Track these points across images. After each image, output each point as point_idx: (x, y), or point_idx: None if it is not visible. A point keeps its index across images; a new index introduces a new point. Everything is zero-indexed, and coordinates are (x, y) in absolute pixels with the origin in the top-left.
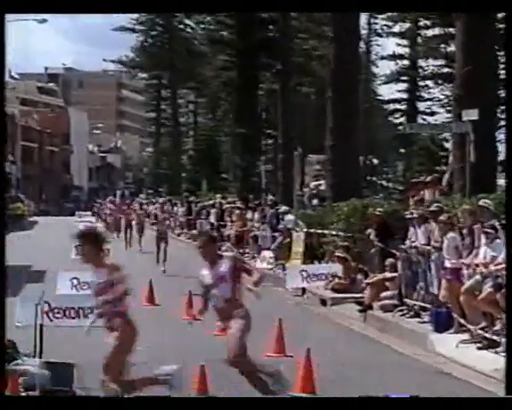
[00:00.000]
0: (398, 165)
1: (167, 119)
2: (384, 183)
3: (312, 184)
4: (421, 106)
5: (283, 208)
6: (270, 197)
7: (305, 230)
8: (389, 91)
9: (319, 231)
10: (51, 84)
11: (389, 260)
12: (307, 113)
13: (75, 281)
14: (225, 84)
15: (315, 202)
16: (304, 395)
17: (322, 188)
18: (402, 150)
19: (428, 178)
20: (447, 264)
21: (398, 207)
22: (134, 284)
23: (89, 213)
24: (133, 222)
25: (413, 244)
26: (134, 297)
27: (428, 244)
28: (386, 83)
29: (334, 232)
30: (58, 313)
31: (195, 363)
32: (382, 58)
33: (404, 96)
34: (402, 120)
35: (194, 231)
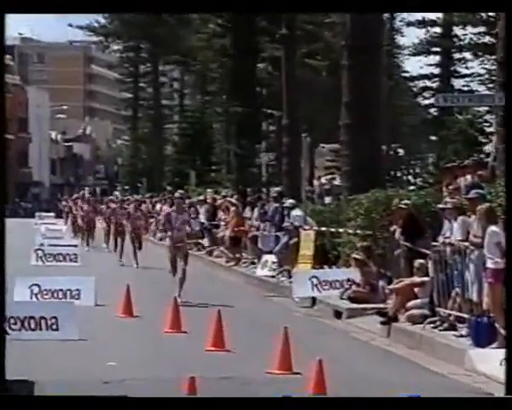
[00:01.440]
0: (428, 156)
1: (147, 100)
2: (411, 178)
3: (324, 178)
4: (457, 83)
5: (289, 202)
6: (276, 189)
7: (315, 228)
8: (417, 66)
9: (333, 230)
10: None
11: (418, 262)
12: (317, 93)
13: (36, 288)
14: (218, 55)
15: (327, 200)
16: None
17: (336, 183)
18: (433, 138)
19: (466, 162)
20: (489, 264)
21: (429, 198)
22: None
23: (51, 214)
24: (127, 228)
25: (447, 241)
26: (108, 307)
27: (466, 241)
28: (413, 55)
29: (350, 230)
30: (15, 323)
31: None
32: (409, 25)
33: (436, 71)
34: (432, 100)
35: None
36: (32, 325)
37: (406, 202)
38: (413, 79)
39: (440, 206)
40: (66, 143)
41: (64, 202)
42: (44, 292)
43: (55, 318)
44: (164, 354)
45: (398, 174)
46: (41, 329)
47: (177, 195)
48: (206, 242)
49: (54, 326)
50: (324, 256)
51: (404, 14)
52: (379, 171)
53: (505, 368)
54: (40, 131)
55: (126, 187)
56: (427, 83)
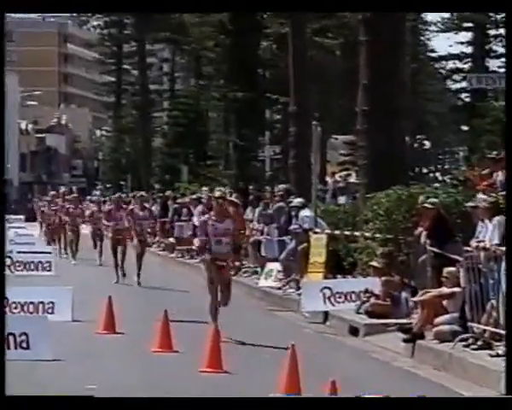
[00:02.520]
0: (458, 149)
1: (132, 84)
2: (439, 175)
3: (338, 175)
4: (492, 64)
5: (297, 201)
6: (281, 186)
7: (327, 231)
8: (446, 44)
9: (348, 233)
10: None
11: (447, 271)
12: (330, 76)
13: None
14: (214, 31)
15: (342, 199)
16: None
17: (352, 180)
18: (464, 128)
19: (502, 154)
20: None
21: (460, 196)
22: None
23: (20, 217)
24: (128, 236)
25: (481, 246)
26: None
27: (503, 245)
28: (442, 32)
29: (368, 234)
30: None
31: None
32: None
33: (468, 50)
34: (465, 84)
35: (172, 239)
36: None
37: (433, 200)
38: (441, 59)
39: (472, 204)
40: (38, 135)
41: (40, 203)
42: (13, 305)
43: (25, 334)
44: (151, 375)
45: (424, 170)
46: (9, 347)
47: (217, 194)
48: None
49: (24, 344)
50: (338, 264)
51: None
52: (401, 165)
53: (505, 368)
54: (7, 121)
55: (108, 185)
56: (458, 64)
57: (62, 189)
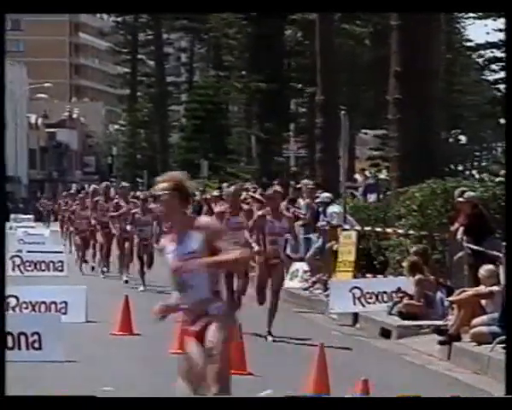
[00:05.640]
0: (496, 145)
1: (147, 75)
2: (475, 173)
3: (368, 172)
4: None
5: (324, 196)
6: (307, 181)
7: (357, 228)
8: (483, 32)
9: (379, 230)
10: None
11: (486, 269)
12: (359, 65)
13: (13, 300)
14: (235, 18)
15: (372, 197)
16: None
17: (383, 177)
18: (503, 121)
19: None
20: None
21: (499, 189)
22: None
23: (30, 216)
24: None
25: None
26: (104, 324)
27: None
28: (479, 19)
29: (401, 230)
30: None
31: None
32: None
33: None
34: (503, 74)
35: None
36: (9, 343)
37: (470, 194)
38: (478, 48)
39: None
40: (49, 130)
41: (62, 203)
42: (24, 305)
43: (37, 334)
44: (170, 378)
45: (460, 167)
46: (20, 348)
47: (277, 188)
48: None
49: (36, 345)
50: (369, 263)
51: None
52: (435, 158)
53: (505, 368)
54: (16, 115)
55: (123, 183)
56: (496, 53)
57: (74, 187)
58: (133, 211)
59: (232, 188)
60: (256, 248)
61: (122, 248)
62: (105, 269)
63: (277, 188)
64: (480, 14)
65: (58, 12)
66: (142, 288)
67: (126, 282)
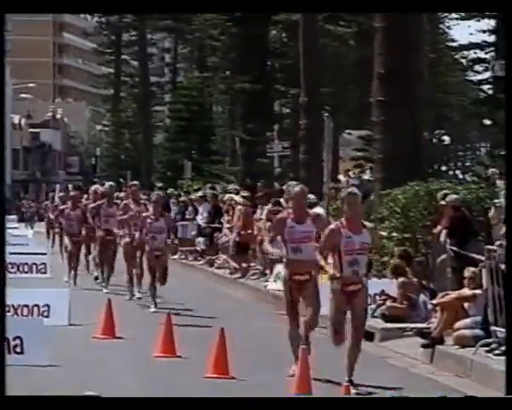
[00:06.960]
0: (480, 145)
1: (131, 76)
2: (459, 173)
3: (352, 172)
4: None
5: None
6: (292, 183)
7: None
8: (467, 32)
9: None
10: None
11: (469, 271)
12: (343, 66)
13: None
14: (219, 19)
15: None
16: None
17: (367, 178)
18: (487, 122)
19: None
20: None
21: (482, 192)
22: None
23: (13, 217)
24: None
25: (505, 244)
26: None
27: None
28: (462, 19)
29: (384, 233)
30: None
31: None
32: None
33: (491, 38)
34: (487, 75)
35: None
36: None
37: (454, 197)
38: (462, 48)
39: (496, 201)
40: (32, 130)
41: (47, 203)
42: (5, 309)
43: (19, 338)
44: (153, 381)
45: (443, 168)
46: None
47: (297, 189)
48: (200, 248)
49: (17, 349)
50: None
51: None
52: (419, 160)
53: (505, 368)
54: None
55: (107, 183)
56: (480, 53)
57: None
58: (144, 215)
59: (298, 187)
60: (331, 271)
61: (133, 262)
62: (99, 279)
63: (298, 189)
64: (463, 14)
65: (58, 12)
66: (153, 308)
67: (139, 299)
